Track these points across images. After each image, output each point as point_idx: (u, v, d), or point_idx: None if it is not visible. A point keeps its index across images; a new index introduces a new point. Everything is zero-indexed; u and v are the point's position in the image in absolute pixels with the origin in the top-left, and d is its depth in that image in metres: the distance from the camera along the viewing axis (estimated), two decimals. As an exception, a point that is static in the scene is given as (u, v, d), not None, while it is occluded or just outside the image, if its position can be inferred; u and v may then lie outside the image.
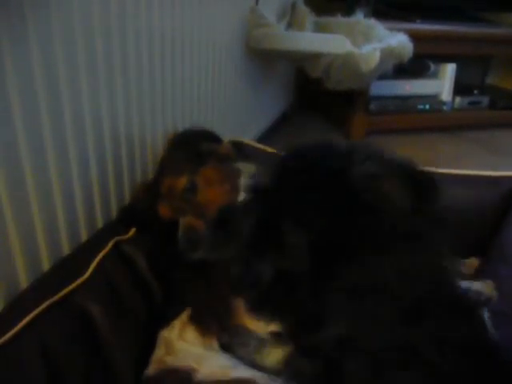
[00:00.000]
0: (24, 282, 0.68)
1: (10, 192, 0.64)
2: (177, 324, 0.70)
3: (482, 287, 0.79)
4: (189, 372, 0.62)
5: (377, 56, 1.53)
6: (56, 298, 0.63)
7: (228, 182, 0.82)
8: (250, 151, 1.07)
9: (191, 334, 0.68)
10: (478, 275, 0.90)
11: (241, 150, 0.90)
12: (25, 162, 0.65)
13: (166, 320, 0.73)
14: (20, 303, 0.62)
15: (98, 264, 0.71)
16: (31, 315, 0.58)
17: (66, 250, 0.77)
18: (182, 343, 0.68)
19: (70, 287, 0.66)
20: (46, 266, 0.72)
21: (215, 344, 0.67)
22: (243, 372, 0.60)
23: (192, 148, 0.84)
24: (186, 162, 0.82)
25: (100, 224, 0.86)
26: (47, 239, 0.72)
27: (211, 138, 0.91)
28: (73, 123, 0.74)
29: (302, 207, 0.66)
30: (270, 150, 1.08)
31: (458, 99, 2.40)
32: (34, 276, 0.69)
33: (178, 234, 0.76)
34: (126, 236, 0.79)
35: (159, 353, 0.69)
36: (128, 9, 0.83)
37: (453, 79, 2.35)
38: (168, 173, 0.83)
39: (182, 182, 0.79)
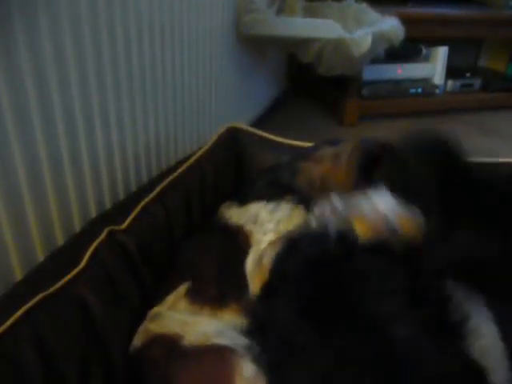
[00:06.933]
0: (18, 273, 0.68)
1: (0, 183, 0.63)
2: (171, 297, 0.70)
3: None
4: (174, 338, 0.62)
5: (368, 40, 1.53)
6: (52, 289, 0.63)
7: None
8: (248, 137, 1.06)
9: (183, 304, 0.68)
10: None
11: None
12: (15, 151, 0.65)
13: (157, 298, 0.72)
14: (14, 295, 0.62)
15: (93, 254, 0.70)
16: (25, 307, 0.58)
17: (59, 240, 0.77)
18: (170, 311, 0.67)
19: (66, 278, 0.65)
20: (39, 256, 0.72)
21: (206, 312, 0.67)
22: (224, 340, 0.61)
23: None
24: None
25: (93, 214, 0.85)
26: (40, 230, 0.72)
27: None
28: (63, 113, 0.73)
29: None
30: (266, 135, 1.08)
31: (450, 82, 2.40)
32: (28, 267, 0.69)
33: None
34: (121, 226, 0.79)
35: (144, 324, 0.69)
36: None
37: (445, 62, 2.35)
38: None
39: None
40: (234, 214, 0.80)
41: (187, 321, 0.65)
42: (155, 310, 0.70)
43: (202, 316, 0.66)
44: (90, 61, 0.78)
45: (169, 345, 0.62)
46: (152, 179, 0.97)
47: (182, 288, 0.70)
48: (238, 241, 0.75)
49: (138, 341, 0.67)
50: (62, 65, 0.71)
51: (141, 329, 0.68)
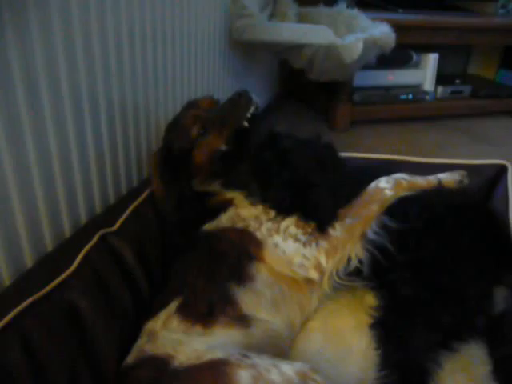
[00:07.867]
0: (6, 279, 0.67)
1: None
2: (163, 314, 0.71)
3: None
4: (165, 359, 0.62)
5: (359, 46, 1.54)
6: (41, 292, 0.62)
7: None
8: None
9: (175, 322, 0.69)
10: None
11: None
12: (5, 157, 0.65)
13: (151, 311, 0.73)
14: (3, 299, 0.61)
15: (85, 257, 0.70)
16: (15, 311, 0.58)
17: (49, 246, 0.76)
18: (165, 332, 0.68)
19: (56, 281, 0.65)
20: (28, 263, 0.71)
21: (197, 329, 0.68)
22: (217, 353, 0.61)
23: None
24: None
25: (84, 220, 0.85)
26: (30, 235, 0.71)
27: None
28: (53, 119, 0.73)
29: None
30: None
31: (440, 89, 2.42)
32: (17, 275, 0.68)
33: None
34: (113, 228, 0.78)
35: (140, 342, 0.69)
36: (107, 1, 0.82)
37: (435, 69, 2.37)
38: None
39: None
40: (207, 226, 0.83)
41: (181, 340, 0.66)
42: (150, 325, 0.70)
43: (195, 335, 0.67)
44: (82, 70, 0.78)
45: (159, 367, 0.62)
46: (142, 182, 0.97)
47: (173, 304, 0.72)
48: (221, 245, 0.77)
49: (131, 358, 0.67)
50: (53, 73, 0.71)
51: (136, 347, 0.68)
